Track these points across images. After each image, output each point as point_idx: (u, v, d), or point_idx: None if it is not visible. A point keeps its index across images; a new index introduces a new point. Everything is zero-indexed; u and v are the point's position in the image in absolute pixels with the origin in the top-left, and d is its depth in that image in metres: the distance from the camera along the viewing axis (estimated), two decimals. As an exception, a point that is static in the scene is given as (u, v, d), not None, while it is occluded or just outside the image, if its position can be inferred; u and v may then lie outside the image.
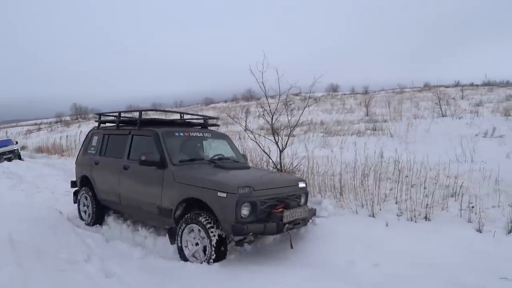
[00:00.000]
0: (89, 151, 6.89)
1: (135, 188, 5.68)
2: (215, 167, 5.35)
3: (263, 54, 6.66)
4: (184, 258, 4.78)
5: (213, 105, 43.05)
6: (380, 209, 5.63)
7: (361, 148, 7.90)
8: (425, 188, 5.94)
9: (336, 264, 4.44)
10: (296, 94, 28.15)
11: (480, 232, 4.85)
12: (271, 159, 7.20)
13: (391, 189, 6.11)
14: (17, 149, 19.30)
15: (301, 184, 5.36)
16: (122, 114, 6.57)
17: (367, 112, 22.19)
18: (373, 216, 5.50)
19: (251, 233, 4.48)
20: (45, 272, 4.09)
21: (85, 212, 6.79)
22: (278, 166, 7.02)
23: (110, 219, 6.57)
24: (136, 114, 6.11)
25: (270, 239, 5.34)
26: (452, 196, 5.80)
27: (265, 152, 7.31)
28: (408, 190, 5.86)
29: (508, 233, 4.74)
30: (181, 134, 5.80)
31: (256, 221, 4.53)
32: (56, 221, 6.53)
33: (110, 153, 6.36)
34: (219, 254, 4.57)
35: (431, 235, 4.83)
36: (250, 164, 6.79)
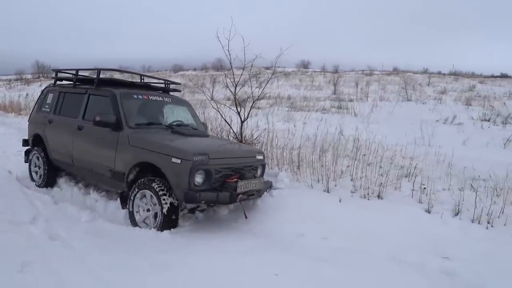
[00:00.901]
0: (43, 109, 6.58)
1: (88, 149, 5.49)
2: (172, 133, 5.23)
3: (231, 20, 6.45)
4: (134, 223, 4.70)
5: (182, 72, 42.19)
6: (336, 185, 5.68)
7: (323, 125, 7.94)
8: (380, 167, 6.05)
9: (286, 235, 4.49)
10: (267, 68, 27.94)
11: (429, 212, 4.97)
12: (232, 129, 7.12)
13: (348, 166, 6.17)
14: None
15: (259, 156, 5.32)
16: (80, 72, 6.30)
17: (334, 91, 22.27)
18: (327, 192, 5.55)
19: (203, 201, 4.43)
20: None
21: (36, 172, 6.53)
22: (239, 137, 6.95)
23: (61, 181, 6.36)
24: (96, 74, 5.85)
25: (224, 208, 5.32)
26: (406, 177, 5.91)
27: (226, 121, 7.21)
28: (364, 168, 5.93)
29: (455, 215, 4.88)
30: (140, 97, 5.61)
31: (210, 189, 4.48)
32: (4, 181, 6.29)
33: (65, 112, 6.10)
34: (170, 221, 4.50)
35: (382, 213, 4.92)
36: (210, 133, 6.69)
